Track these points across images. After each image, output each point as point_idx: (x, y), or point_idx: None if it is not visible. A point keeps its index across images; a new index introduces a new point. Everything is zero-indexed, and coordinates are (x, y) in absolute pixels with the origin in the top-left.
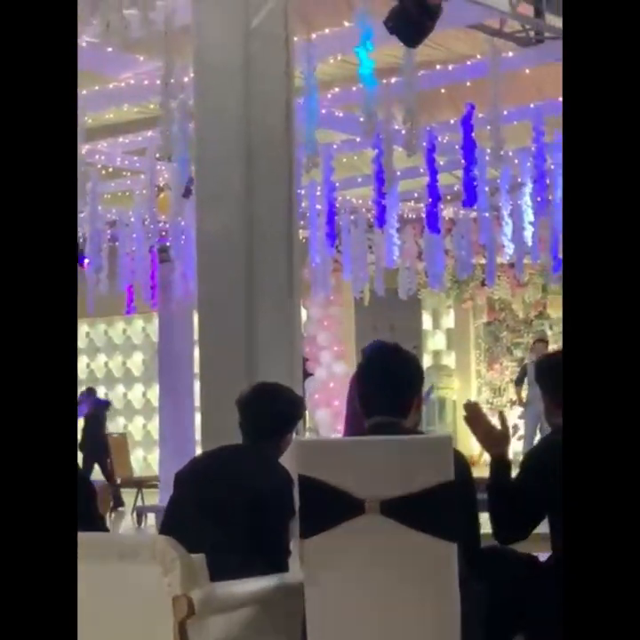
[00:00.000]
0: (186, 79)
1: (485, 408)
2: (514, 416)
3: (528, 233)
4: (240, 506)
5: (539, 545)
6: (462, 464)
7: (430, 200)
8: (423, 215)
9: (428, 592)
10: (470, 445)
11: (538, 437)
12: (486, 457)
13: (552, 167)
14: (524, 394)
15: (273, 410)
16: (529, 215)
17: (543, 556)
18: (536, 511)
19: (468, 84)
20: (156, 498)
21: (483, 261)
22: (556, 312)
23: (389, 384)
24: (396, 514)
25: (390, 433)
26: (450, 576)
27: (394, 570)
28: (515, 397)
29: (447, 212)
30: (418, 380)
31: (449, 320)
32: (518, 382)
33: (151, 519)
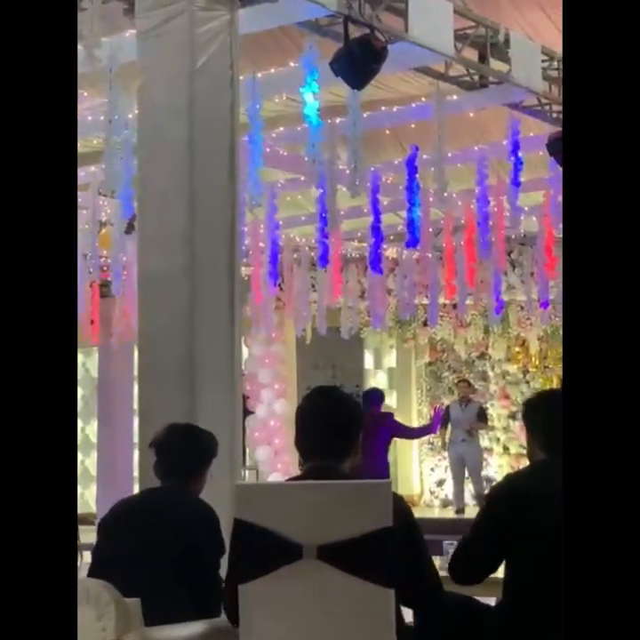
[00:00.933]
0: (130, 115)
1: (426, 449)
2: None
3: (469, 275)
4: (168, 548)
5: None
6: (402, 508)
7: (373, 240)
8: (366, 254)
9: (365, 638)
10: (411, 485)
11: (466, 477)
12: (426, 497)
13: (495, 209)
14: (447, 436)
15: (191, 449)
16: (472, 257)
17: (487, 601)
18: (492, 559)
19: (413, 125)
20: (94, 536)
21: (425, 301)
22: (497, 353)
23: (326, 428)
24: (334, 559)
25: (327, 477)
26: (387, 622)
27: (331, 616)
28: None
29: (390, 251)
30: (356, 423)
31: (391, 359)
32: (443, 425)
33: (87, 557)
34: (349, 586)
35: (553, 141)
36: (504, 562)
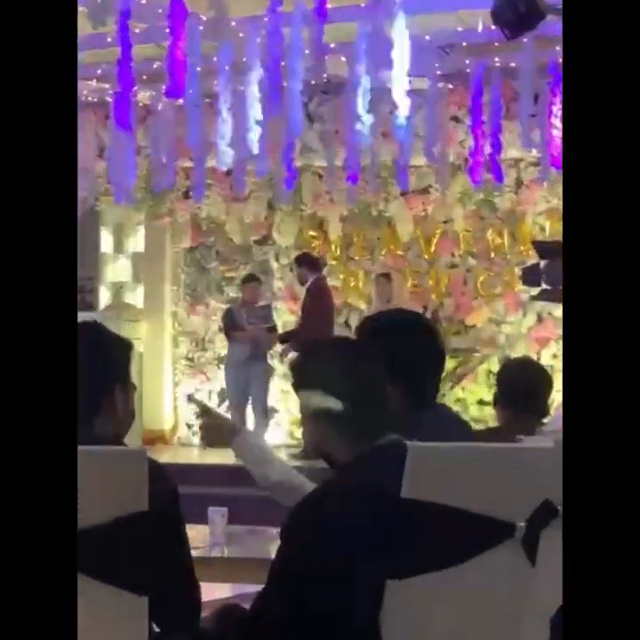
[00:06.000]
0: None
1: (183, 366)
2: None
3: (254, 134)
4: None
5: None
6: (162, 485)
7: (120, 81)
8: (109, 100)
9: None
10: (160, 417)
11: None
12: (182, 433)
13: (289, 45)
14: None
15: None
16: (256, 111)
17: None
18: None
19: None
20: None
21: (188, 164)
22: (284, 237)
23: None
24: None
25: None
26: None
27: None
28: (224, 353)
29: (142, 96)
30: (107, 365)
31: (137, 242)
32: (227, 331)
33: None
34: (95, 591)
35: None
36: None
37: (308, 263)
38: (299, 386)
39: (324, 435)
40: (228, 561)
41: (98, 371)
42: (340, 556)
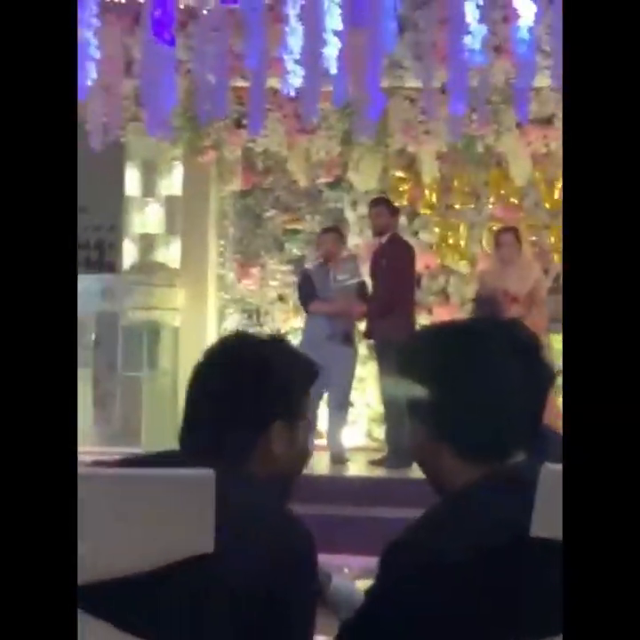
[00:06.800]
0: None
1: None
2: None
3: (331, 49)
4: None
5: None
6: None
7: None
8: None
9: None
10: None
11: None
12: None
13: None
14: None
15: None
16: (335, 20)
17: None
18: None
19: None
20: None
21: (241, 83)
22: (363, 179)
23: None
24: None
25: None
26: None
27: None
28: (285, 328)
29: None
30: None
31: (173, 183)
32: (305, 301)
33: None
34: None
35: None
36: None
37: (390, 208)
38: (402, 378)
39: (432, 449)
40: None
41: (252, 401)
42: (451, 613)
